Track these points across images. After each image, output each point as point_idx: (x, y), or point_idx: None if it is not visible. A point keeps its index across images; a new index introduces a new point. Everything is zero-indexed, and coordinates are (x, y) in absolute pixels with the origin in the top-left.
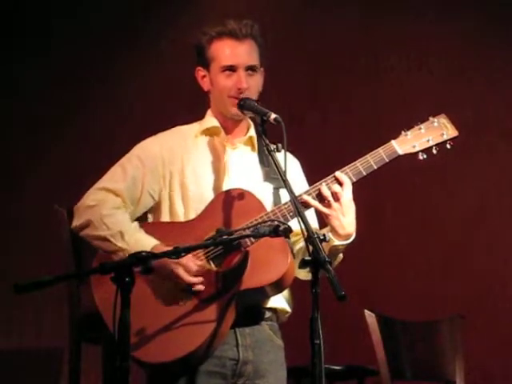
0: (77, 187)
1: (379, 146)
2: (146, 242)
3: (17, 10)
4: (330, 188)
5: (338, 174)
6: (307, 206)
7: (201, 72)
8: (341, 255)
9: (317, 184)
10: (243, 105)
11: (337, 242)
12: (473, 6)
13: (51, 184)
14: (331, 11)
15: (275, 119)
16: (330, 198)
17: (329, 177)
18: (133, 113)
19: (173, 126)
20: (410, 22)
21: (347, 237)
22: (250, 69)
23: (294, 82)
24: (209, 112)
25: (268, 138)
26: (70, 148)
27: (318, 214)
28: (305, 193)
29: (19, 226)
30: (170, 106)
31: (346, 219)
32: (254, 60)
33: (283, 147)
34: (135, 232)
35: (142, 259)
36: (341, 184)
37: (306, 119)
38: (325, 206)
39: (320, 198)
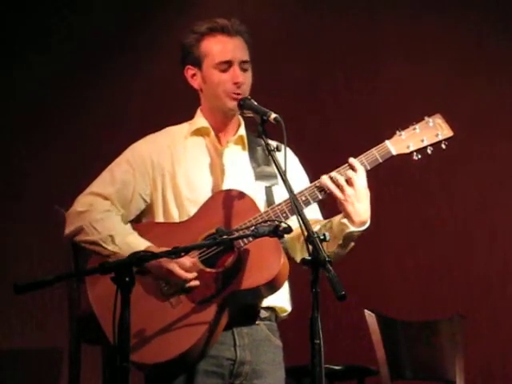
0: (77, 187)
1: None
2: (138, 245)
3: (17, 9)
4: (343, 175)
5: (351, 160)
6: (324, 189)
7: (190, 70)
8: (352, 243)
9: (330, 173)
10: (243, 104)
11: (352, 228)
12: (472, 6)
13: (51, 184)
14: (330, 11)
15: (275, 119)
16: (344, 184)
17: (342, 166)
18: (131, 113)
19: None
20: (410, 22)
21: (362, 224)
22: (244, 64)
23: (294, 81)
24: (198, 111)
25: (268, 138)
26: (70, 148)
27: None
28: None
29: (19, 225)
30: (168, 107)
31: (360, 205)
32: (247, 56)
33: (284, 147)
34: (126, 235)
35: (141, 259)
36: (354, 171)
37: (306, 119)
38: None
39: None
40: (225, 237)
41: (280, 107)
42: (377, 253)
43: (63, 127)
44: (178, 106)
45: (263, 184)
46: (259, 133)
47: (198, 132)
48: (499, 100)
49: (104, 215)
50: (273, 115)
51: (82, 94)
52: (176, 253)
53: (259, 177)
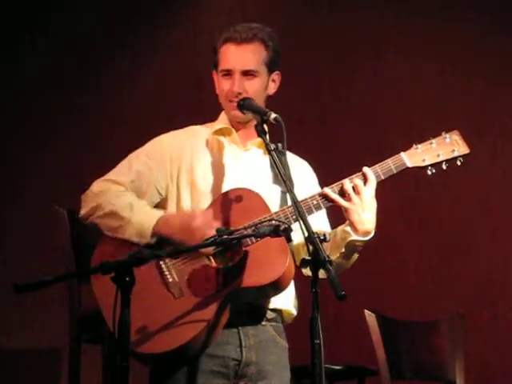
0: (77, 187)
1: (379, 146)
2: (153, 214)
3: (17, 8)
4: (352, 183)
5: (365, 169)
6: (327, 199)
7: (215, 75)
8: (356, 255)
9: (342, 180)
10: (243, 104)
11: (355, 236)
12: (473, 7)
13: (51, 184)
14: (331, 10)
15: (275, 119)
16: (351, 191)
17: (356, 174)
18: (132, 113)
19: (170, 128)
20: (411, 23)
21: (365, 233)
22: (247, 73)
23: (294, 81)
24: (222, 113)
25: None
26: (70, 148)
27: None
28: (328, 188)
29: (19, 225)
30: (169, 108)
31: (365, 215)
32: (253, 64)
33: (283, 147)
34: (144, 205)
35: (142, 259)
36: (365, 180)
37: (305, 119)
38: (345, 200)
39: (342, 193)
40: (224, 237)
41: (280, 107)
42: (377, 253)
43: (63, 127)
44: (178, 105)
45: (279, 188)
46: (259, 132)
47: (220, 132)
48: (499, 100)
49: (122, 193)
50: (273, 115)
51: (83, 94)
52: (176, 253)
53: (276, 181)
